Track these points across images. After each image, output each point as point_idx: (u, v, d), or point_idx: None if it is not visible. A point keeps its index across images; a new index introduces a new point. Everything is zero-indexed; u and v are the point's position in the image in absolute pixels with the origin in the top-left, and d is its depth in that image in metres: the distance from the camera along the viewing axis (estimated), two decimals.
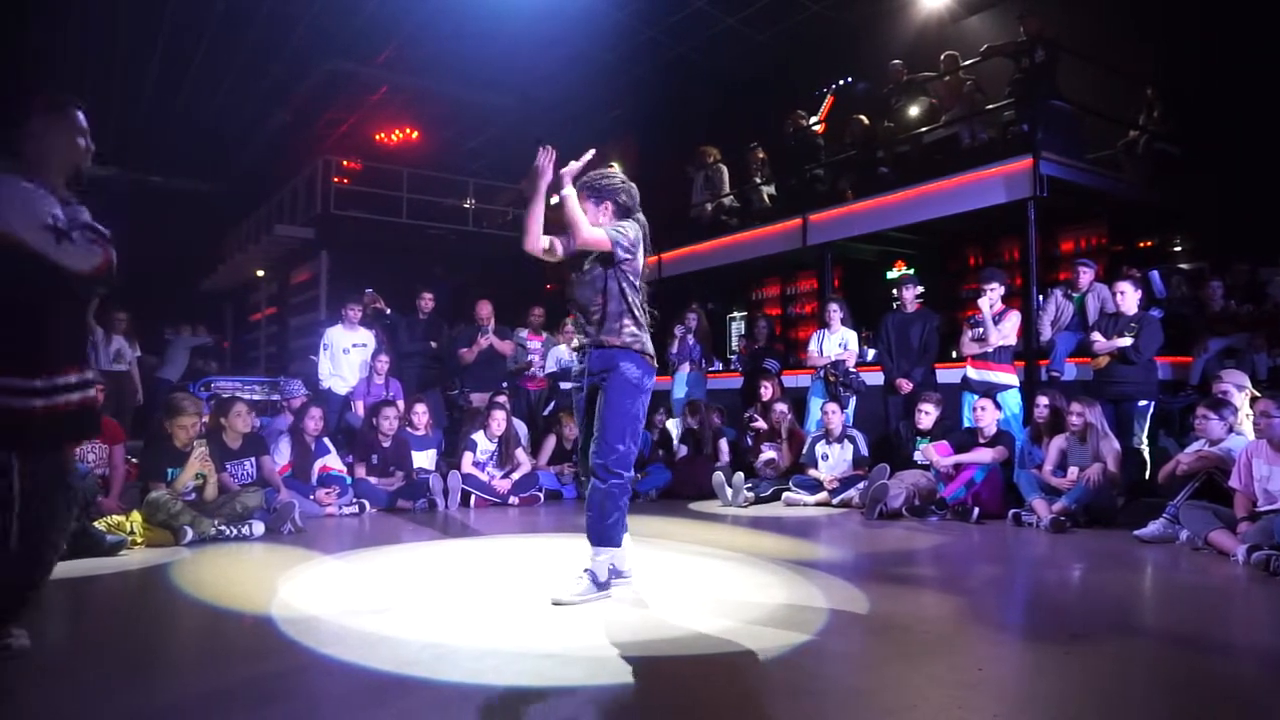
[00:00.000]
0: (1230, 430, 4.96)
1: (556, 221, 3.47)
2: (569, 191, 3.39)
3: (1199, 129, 8.36)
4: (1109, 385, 6.07)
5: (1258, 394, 5.34)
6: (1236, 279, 7.20)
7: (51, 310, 2.50)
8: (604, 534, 3.37)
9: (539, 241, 3.47)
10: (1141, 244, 9.12)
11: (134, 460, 5.88)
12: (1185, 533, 4.69)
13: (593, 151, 3.69)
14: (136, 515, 4.65)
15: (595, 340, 3.46)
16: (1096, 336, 6.24)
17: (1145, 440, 6.27)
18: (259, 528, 4.99)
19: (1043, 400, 6.05)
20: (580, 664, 2.57)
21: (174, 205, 19.35)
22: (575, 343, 3.67)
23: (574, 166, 3.48)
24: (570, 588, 3.33)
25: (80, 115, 2.63)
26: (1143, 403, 6.15)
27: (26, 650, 2.52)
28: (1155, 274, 7.53)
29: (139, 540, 4.55)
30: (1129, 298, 6.18)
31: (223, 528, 4.87)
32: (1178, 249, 8.87)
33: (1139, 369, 6.08)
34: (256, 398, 9.93)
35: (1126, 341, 6.04)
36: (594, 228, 3.40)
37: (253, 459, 5.64)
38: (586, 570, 3.37)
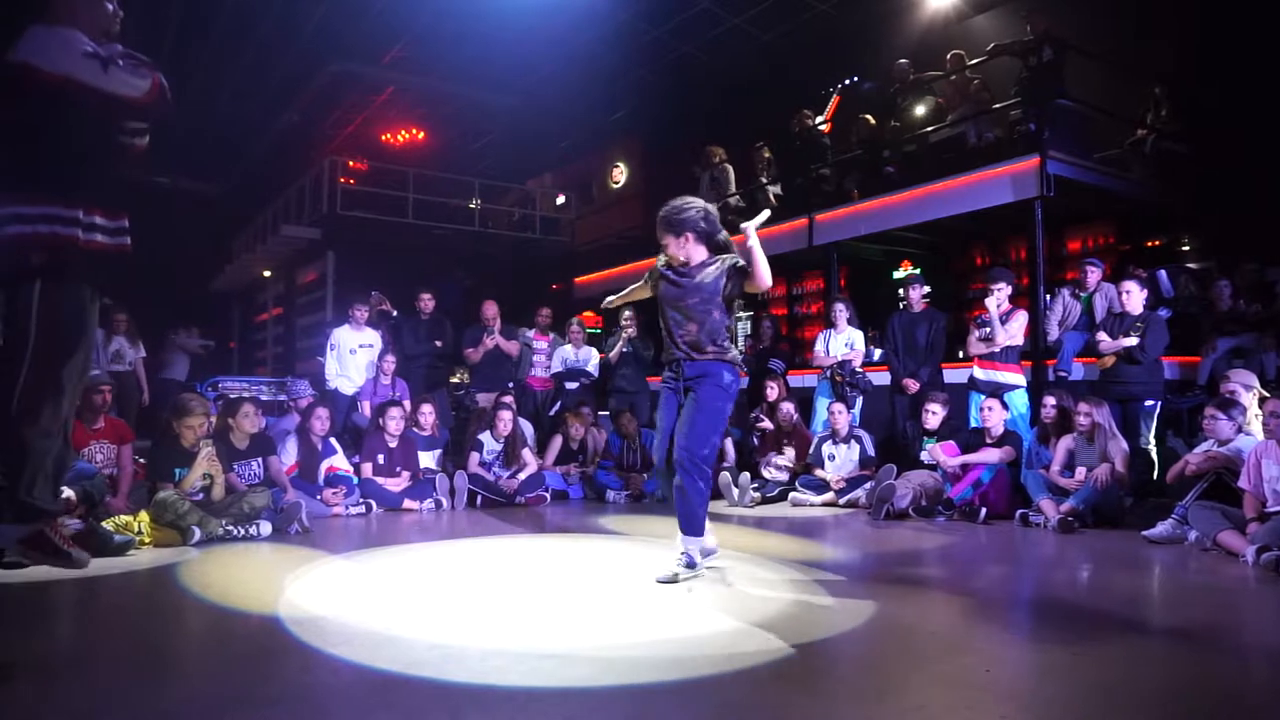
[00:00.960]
0: (1239, 430, 4.94)
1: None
2: (755, 242, 3.72)
3: (1207, 127, 8.33)
4: (1115, 385, 6.05)
5: (1266, 394, 5.32)
6: (1245, 278, 7.17)
7: (95, 148, 2.56)
8: (694, 523, 3.78)
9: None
10: (1149, 243, 9.08)
11: (141, 460, 5.90)
12: (1194, 533, 4.67)
13: (767, 213, 4.20)
14: (144, 515, 4.67)
15: (690, 353, 3.80)
16: (1102, 336, 6.22)
17: (1153, 440, 6.25)
18: (266, 528, 5.00)
19: (1050, 400, 6.03)
20: (587, 664, 2.57)
21: (181, 206, 19.43)
22: (665, 356, 3.97)
23: (756, 221, 3.80)
24: (669, 569, 3.73)
25: None
26: (1149, 402, 6.13)
27: (85, 563, 2.61)
28: (1163, 273, 7.51)
29: (146, 540, 4.57)
30: (1135, 297, 6.17)
31: (230, 528, 4.88)
32: (1185, 248, 8.84)
33: (1144, 369, 6.06)
34: (263, 398, 9.96)
35: (1132, 341, 6.02)
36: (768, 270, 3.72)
37: (260, 459, 5.65)
38: (683, 553, 3.78)
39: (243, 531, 4.92)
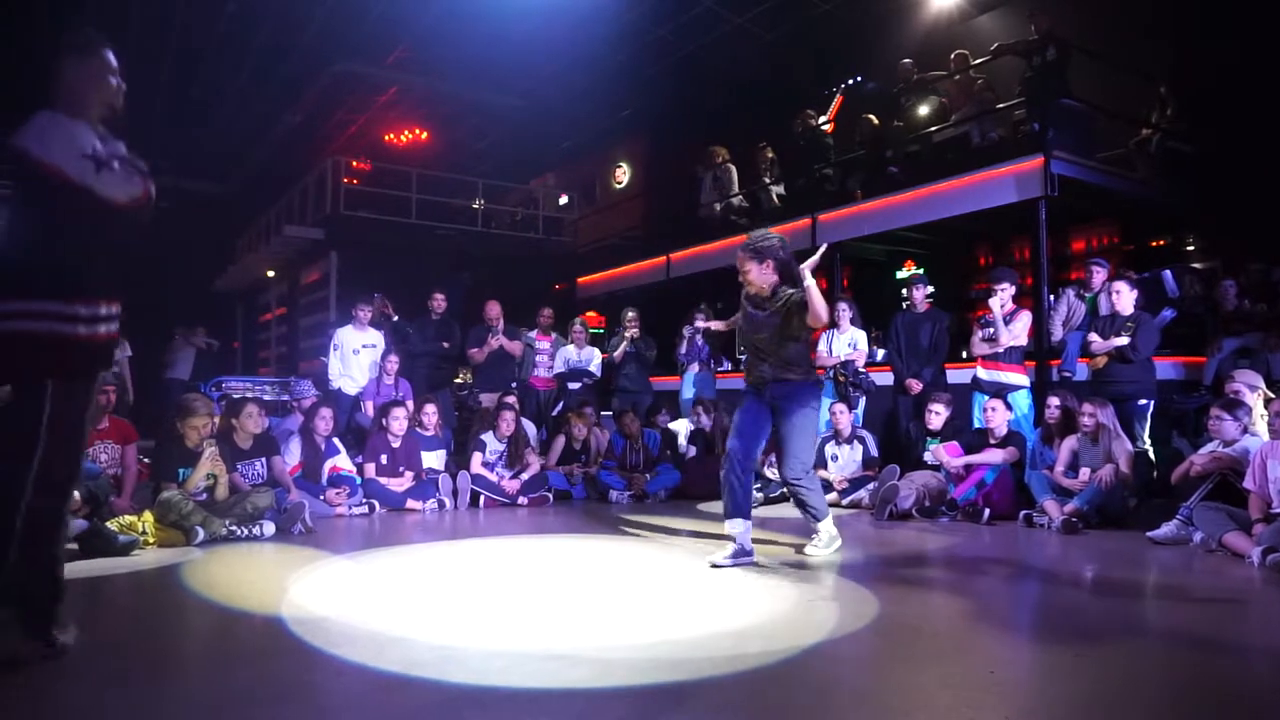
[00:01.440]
0: (1244, 431, 4.92)
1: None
2: (810, 282, 3.99)
3: (1212, 127, 8.31)
4: (1107, 385, 6.05)
5: (1271, 394, 5.31)
6: (1251, 278, 7.15)
7: (91, 241, 2.56)
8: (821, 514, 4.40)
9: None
10: (1154, 243, 9.08)
11: (146, 460, 5.91)
12: (1199, 534, 4.66)
13: (826, 245, 4.65)
14: (148, 515, 4.67)
15: (771, 376, 4.25)
16: (1094, 337, 6.23)
17: (1147, 440, 6.22)
18: (270, 528, 5.01)
19: (1054, 401, 6.02)
20: (588, 665, 2.56)
21: (184, 206, 19.44)
22: (751, 378, 4.40)
23: (812, 262, 4.09)
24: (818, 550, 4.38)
25: (109, 54, 2.68)
26: (1142, 402, 6.11)
27: (70, 648, 2.55)
28: (1168, 273, 7.48)
29: (151, 540, 4.57)
30: (1125, 297, 6.20)
31: (234, 528, 4.89)
32: (1190, 248, 8.81)
33: (1136, 368, 6.08)
34: (267, 398, 9.98)
35: (1123, 341, 6.03)
36: (825, 307, 4.05)
37: (263, 459, 5.65)
38: (815, 535, 4.44)
39: (246, 532, 4.92)
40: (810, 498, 4.37)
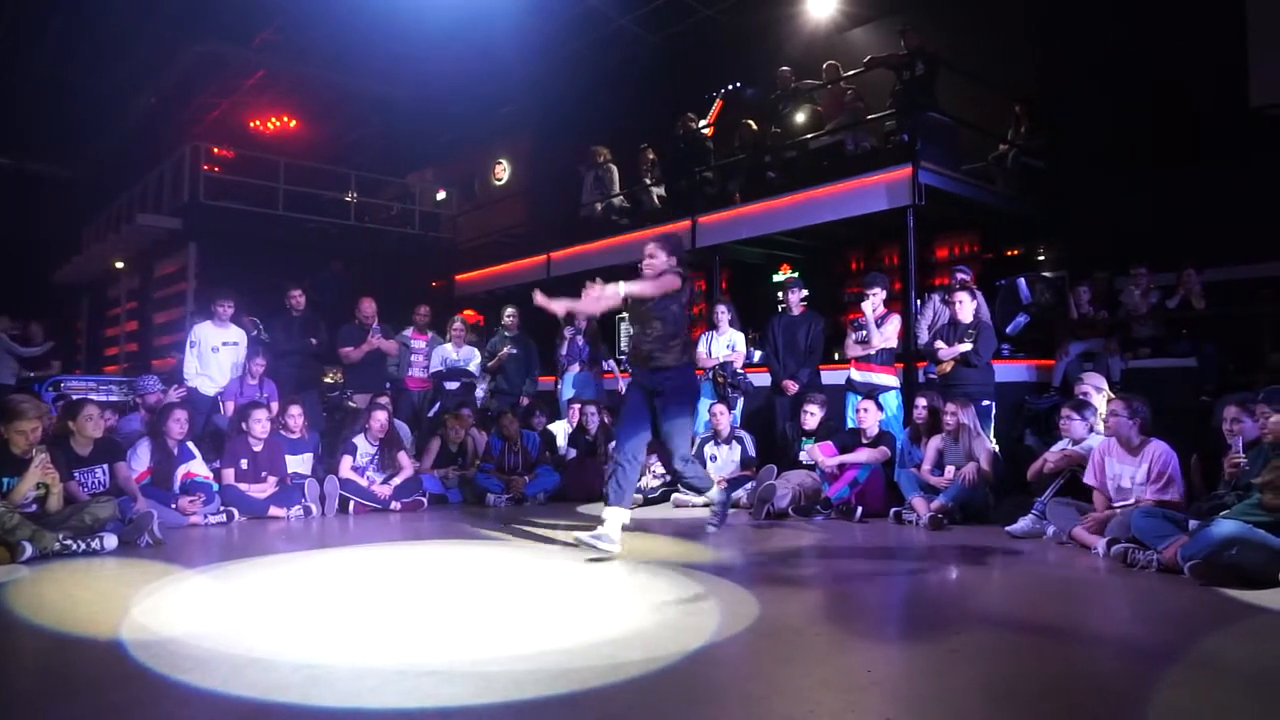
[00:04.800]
0: (1091, 430, 5.25)
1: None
2: (619, 289, 4.40)
3: (1061, 145, 8.89)
4: (953, 387, 6.36)
5: (1113, 395, 5.68)
6: (1096, 287, 7.66)
7: None
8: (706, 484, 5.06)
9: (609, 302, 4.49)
10: (1009, 252, 9.59)
11: None
12: (1052, 528, 4.94)
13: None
14: None
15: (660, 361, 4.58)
16: (940, 344, 6.55)
17: (992, 438, 6.57)
18: (111, 541, 4.58)
19: (921, 401, 6.26)
20: (465, 681, 2.44)
21: (23, 187, 17.83)
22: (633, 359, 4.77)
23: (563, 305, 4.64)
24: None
25: None
26: (985, 403, 6.44)
27: None
28: (1022, 281, 7.90)
29: None
30: (966, 307, 6.59)
31: (69, 542, 4.45)
32: (1041, 258, 9.38)
33: (979, 372, 6.46)
34: (113, 399, 9.23)
35: (967, 347, 6.37)
36: (660, 278, 4.54)
37: (105, 466, 5.20)
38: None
39: (84, 545, 4.49)
40: (697, 481, 4.98)
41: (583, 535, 4.37)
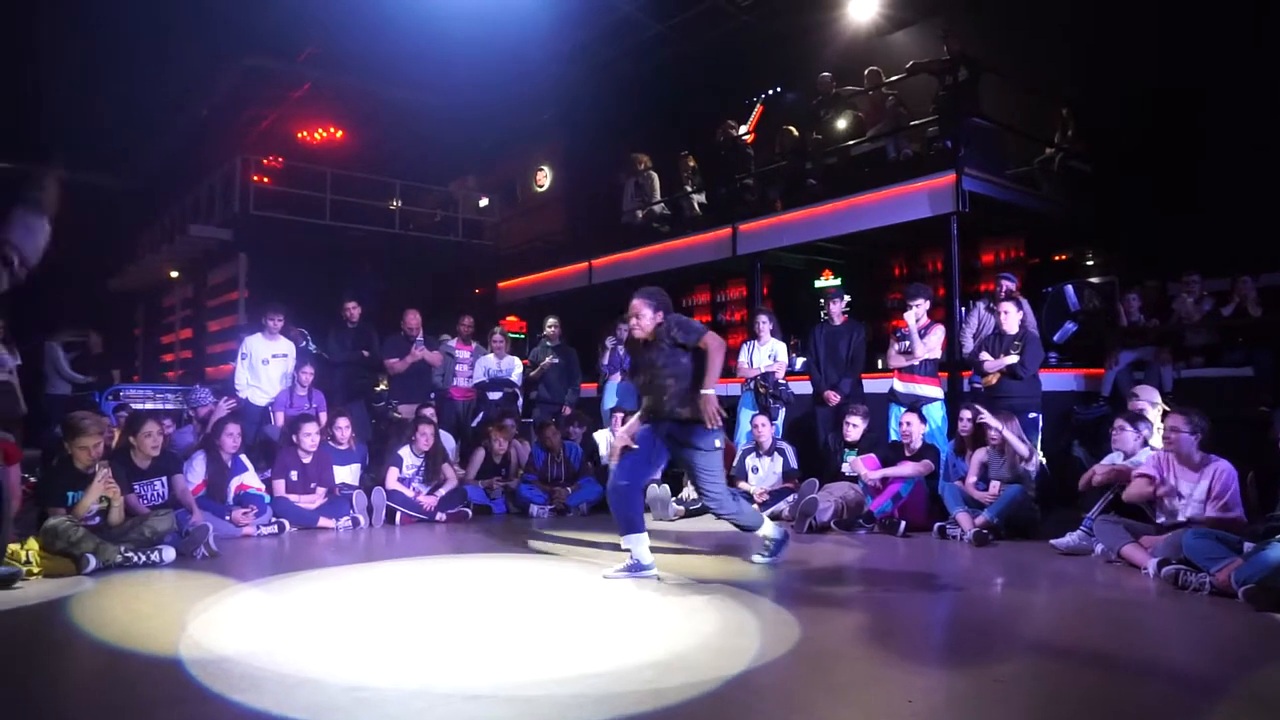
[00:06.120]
0: (1144, 444, 5.14)
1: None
2: (711, 394, 4.45)
3: (1109, 149, 8.70)
4: (999, 400, 6.26)
5: (1167, 408, 5.56)
6: (1147, 294, 7.50)
7: None
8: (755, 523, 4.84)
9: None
10: (1056, 257, 9.44)
11: (31, 479, 5.55)
12: (1100, 545, 4.85)
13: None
14: (33, 543, 4.36)
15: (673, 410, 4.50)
16: (985, 355, 6.45)
17: (1040, 451, 6.47)
18: (170, 553, 4.74)
19: (966, 414, 6.19)
20: (510, 705, 2.49)
21: (77, 196, 18.34)
22: (646, 411, 4.61)
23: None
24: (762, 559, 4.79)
25: None
26: (1032, 415, 6.33)
27: None
28: (1069, 288, 7.78)
29: (35, 571, 4.27)
30: (1012, 318, 6.48)
31: (130, 554, 4.61)
32: (1089, 263, 9.21)
33: (1025, 384, 6.35)
34: (170, 407, 9.51)
35: (1013, 359, 6.27)
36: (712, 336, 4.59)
37: (163, 479, 5.36)
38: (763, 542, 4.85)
39: (144, 558, 4.64)
40: (740, 519, 4.77)
41: (609, 573, 4.35)
